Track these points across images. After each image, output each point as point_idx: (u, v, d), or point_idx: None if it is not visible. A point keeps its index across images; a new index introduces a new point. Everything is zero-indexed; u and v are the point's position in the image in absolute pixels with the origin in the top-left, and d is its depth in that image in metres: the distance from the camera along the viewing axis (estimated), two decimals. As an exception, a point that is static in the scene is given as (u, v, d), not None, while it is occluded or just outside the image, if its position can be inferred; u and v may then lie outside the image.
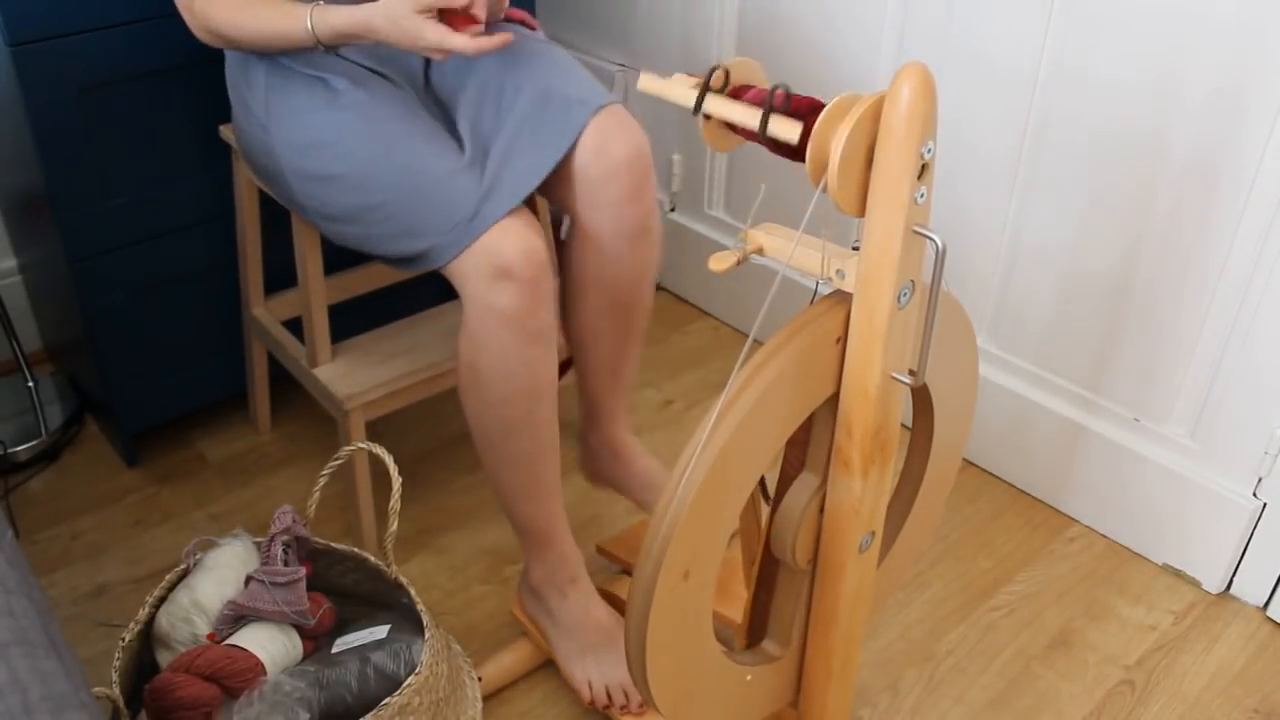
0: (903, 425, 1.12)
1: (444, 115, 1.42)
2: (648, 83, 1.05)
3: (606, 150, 1.29)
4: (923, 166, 0.94)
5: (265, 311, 1.76)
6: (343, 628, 1.30)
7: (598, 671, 1.39)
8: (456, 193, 1.27)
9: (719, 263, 1.03)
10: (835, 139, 0.93)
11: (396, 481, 1.28)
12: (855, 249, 1.01)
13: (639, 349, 1.47)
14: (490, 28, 1.26)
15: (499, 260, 1.22)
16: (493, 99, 1.35)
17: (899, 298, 1.00)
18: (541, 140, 1.30)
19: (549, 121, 1.30)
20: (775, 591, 1.23)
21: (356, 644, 1.25)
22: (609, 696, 1.38)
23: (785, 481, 1.16)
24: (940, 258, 0.98)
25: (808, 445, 1.14)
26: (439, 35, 1.19)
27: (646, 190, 1.33)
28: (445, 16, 1.22)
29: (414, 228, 1.28)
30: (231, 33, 1.30)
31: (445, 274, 1.28)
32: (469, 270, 1.24)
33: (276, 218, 1.63)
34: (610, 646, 1.39)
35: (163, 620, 1.24)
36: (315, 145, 1.33)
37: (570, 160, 1.31)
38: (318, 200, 1.36)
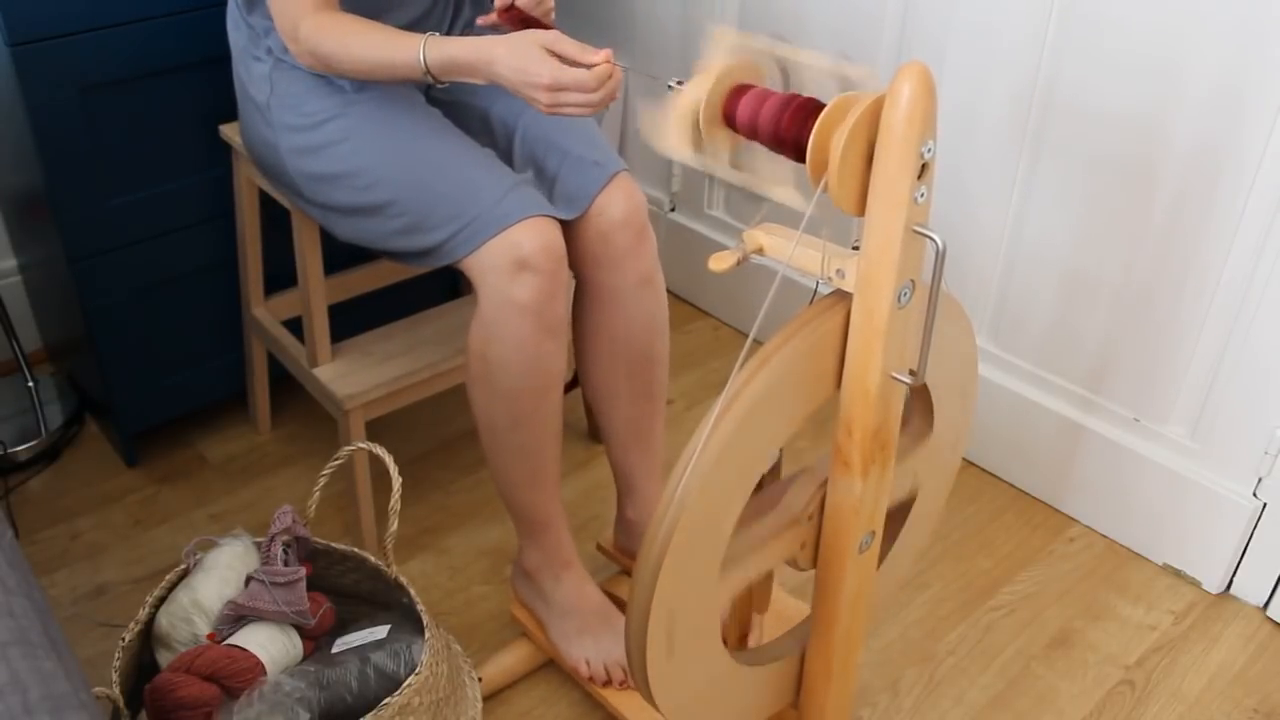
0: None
1: (452, 118, 1.43)
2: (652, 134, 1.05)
3: (607, 211, 1.34)
4: (923, 166, 0.94)
5: (265, 311, 1.76)
6: (343, 628, 1.30)
7: (595, 650, 1.40)
8: (474, 186, 1.28)
9: (719, 263, 1.03)
10: (835, 139, 0.93)
11: (396, 481, 1.28)
12: (855, 249, 1.01)
13: (662, 416, 1.47)
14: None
15: (519, 253, 1.24)
16: (510, 123, 1.42)
17: (899, 297, 0.99)
18: (556, 196, 1.35)
19: (565, 179, 1.36)
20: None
21: (356, 644, 1.25)
22: (607, 673, 1.39)
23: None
24: (940, 257, 0.98)
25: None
26: (555, 69, 1.13)
27: (645, 244, 1.37)
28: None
29: (428, 222, 1.29)
30: (341, 61, 1.26)
31: (461, 267, 1.29)
32: (489, 263, 1.25)
33: (276, 218, 1.63)
34: (605, 626, 1.41)
35: (163, 620, 1.23)
36: (323, 145, 1.34)
37: (575, 219, 1.35)
38: (327, 198, 1.37)
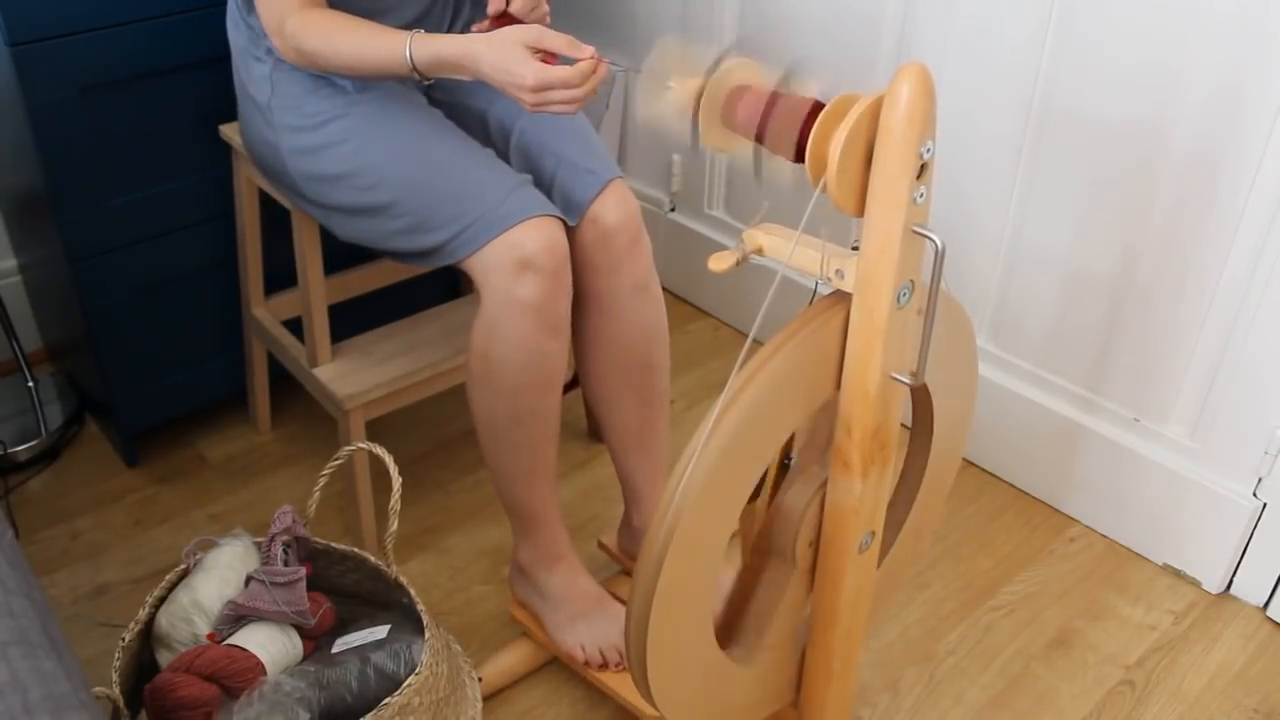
0: (903, 425, 1.13)
1: (450, 119, 1.43)
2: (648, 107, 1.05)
3: (601, 218, 1.34)
4: (922, 166, 0.94)
5: (265, 311, 1.76)
6: (343, 628, 1.30)
7: (589, 635, 1.41)
8: (477, 186, 1.29)
9: (719, 263, 1.03)
10: (834, 139, 0.93)
11: (396, 481, 1.29)
12: (855, 249, 1.01)
13: (666, 422, 1.47)
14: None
15: (522, 252, 1.24)
16: (507, 127, 1.42)
17: (898, 298, 0.99)
18: (552, 202, 1.35)
19: (561, 185, 1.36)
20: (757, 589, 1.22)
21: (356, 644, 1.25)
22: (603, 657, 1.40)
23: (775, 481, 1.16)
24: (940, 258, 0.98)
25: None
26: (538, 70, 1.14)
27: (640, 250, 1.37)
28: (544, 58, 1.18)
29: (430, 222, 1.30)
30: (327, 57, 1.26)
31: (464, 267, 1.29)
32: (492, 262, 1.26)
33: (276, 218, 1.63)
34: (599, 612, 1.42)
35: (163, 620, 1.24)
36: (325, 145, 1.34)
37: (570, 226, 1.35)
38: (328, 198, 1.37)
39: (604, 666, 1.40)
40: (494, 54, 1.16)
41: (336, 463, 1.33)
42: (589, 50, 1.14)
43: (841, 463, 1.09)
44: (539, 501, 1.39)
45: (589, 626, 1.41)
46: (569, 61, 1.15)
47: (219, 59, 1.52)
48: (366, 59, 1.24)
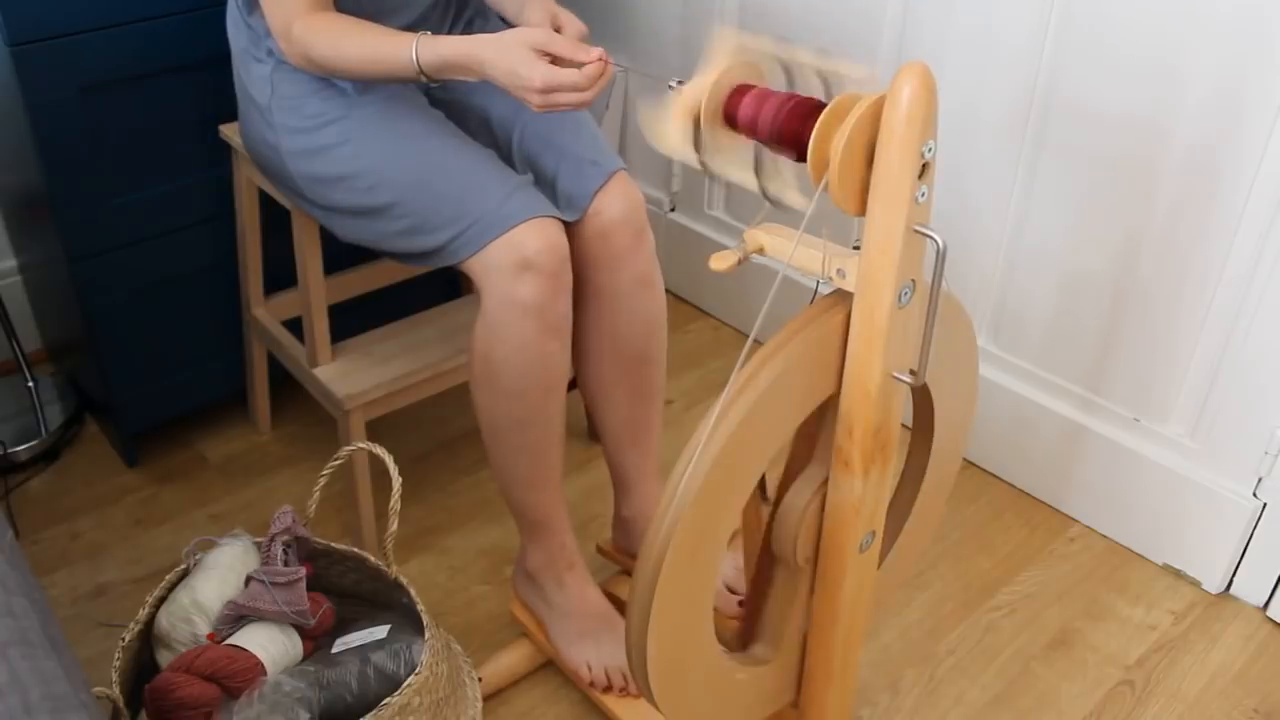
0: (903, 425, 1.13)
1: (452, 118, 1.43)
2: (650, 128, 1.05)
3: (605, 211, 1.34)
4: (923, 166, 0.94)
5: (265, 311, 1.76)
6: (343, 628, 1.30)
7: (596, 655, 1.40)
8: (477, 187, 1.29)
9: (719, 262, 1.03)
10: (835, 139, 0.93)
11: (396, 481, 1.28)
12: (856, 248, 1.01)
13: (659, 415, 1.47)
14: None
15: (523, 253, 1.24)
16: (509, 124, 1.42)
17: (899, 297, 0.99)
18: (555, 197, 1.35)
19: (564, 179, 1.36)
20: (769, 594, 1.22)
21: (356, 644, 1.25)
22: (608, 679, 1.39)
23: (788, 479, 1.16)
24: (941, 257, 0.98)
25: (815, 439, 1.13)
26: (546, 72, 1.13)
27: (643, 244, 1.37)
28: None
29: (431, 223, 1.30)
30: (334, 61, 1.26)
31: (464, 268, 1.29)
32: (492, 263, 1.26)
33: (276, 218, 1.63)
34: (607, 631, 1.41)
35: (163, 620, 1.24)
36: (325, 147, 1.34)
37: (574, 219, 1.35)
38: (329, 199, 1.37)
39: (608, 689, 1.40)
40: (500, 57, 1.16)
41: (336, 463, 1.33)
42: (596, 52, 1.14)
43: (842, 463, 1.09)
44: (546, 506, 1.39)
45: (597, 646, 1.41)
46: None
47: (219, 59, 1.52)
48: (374, 62, 1.24)
